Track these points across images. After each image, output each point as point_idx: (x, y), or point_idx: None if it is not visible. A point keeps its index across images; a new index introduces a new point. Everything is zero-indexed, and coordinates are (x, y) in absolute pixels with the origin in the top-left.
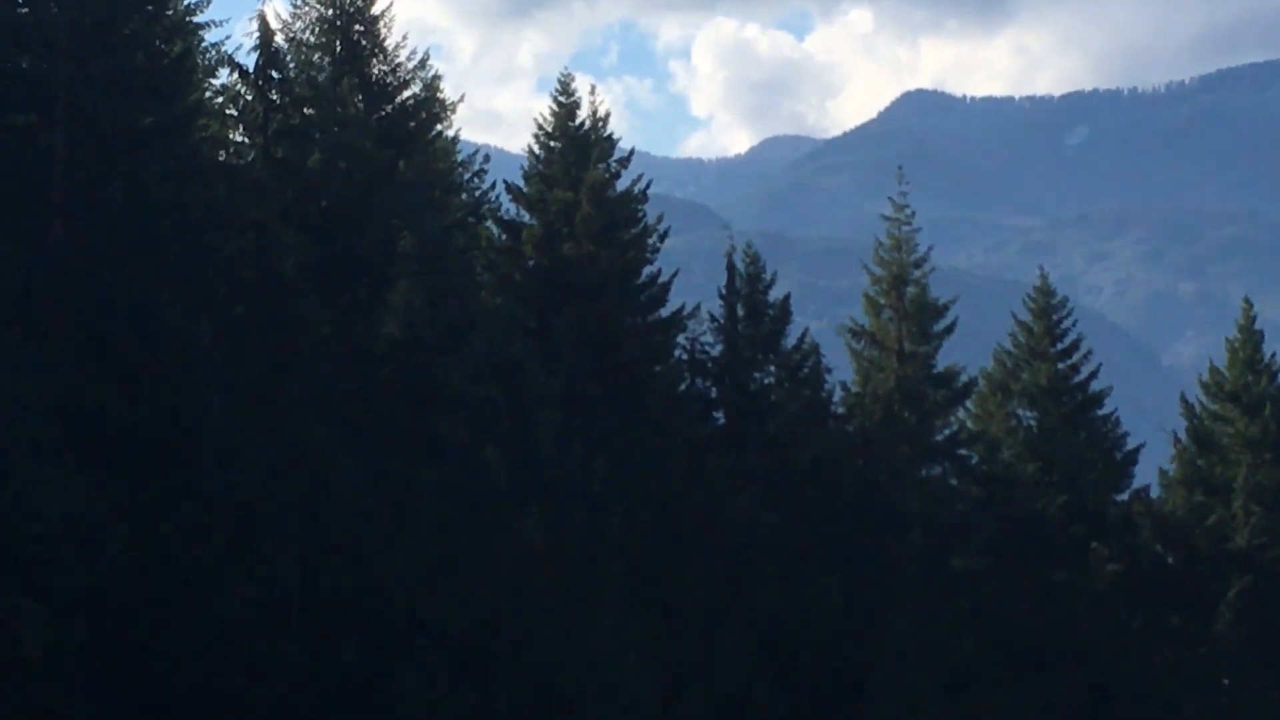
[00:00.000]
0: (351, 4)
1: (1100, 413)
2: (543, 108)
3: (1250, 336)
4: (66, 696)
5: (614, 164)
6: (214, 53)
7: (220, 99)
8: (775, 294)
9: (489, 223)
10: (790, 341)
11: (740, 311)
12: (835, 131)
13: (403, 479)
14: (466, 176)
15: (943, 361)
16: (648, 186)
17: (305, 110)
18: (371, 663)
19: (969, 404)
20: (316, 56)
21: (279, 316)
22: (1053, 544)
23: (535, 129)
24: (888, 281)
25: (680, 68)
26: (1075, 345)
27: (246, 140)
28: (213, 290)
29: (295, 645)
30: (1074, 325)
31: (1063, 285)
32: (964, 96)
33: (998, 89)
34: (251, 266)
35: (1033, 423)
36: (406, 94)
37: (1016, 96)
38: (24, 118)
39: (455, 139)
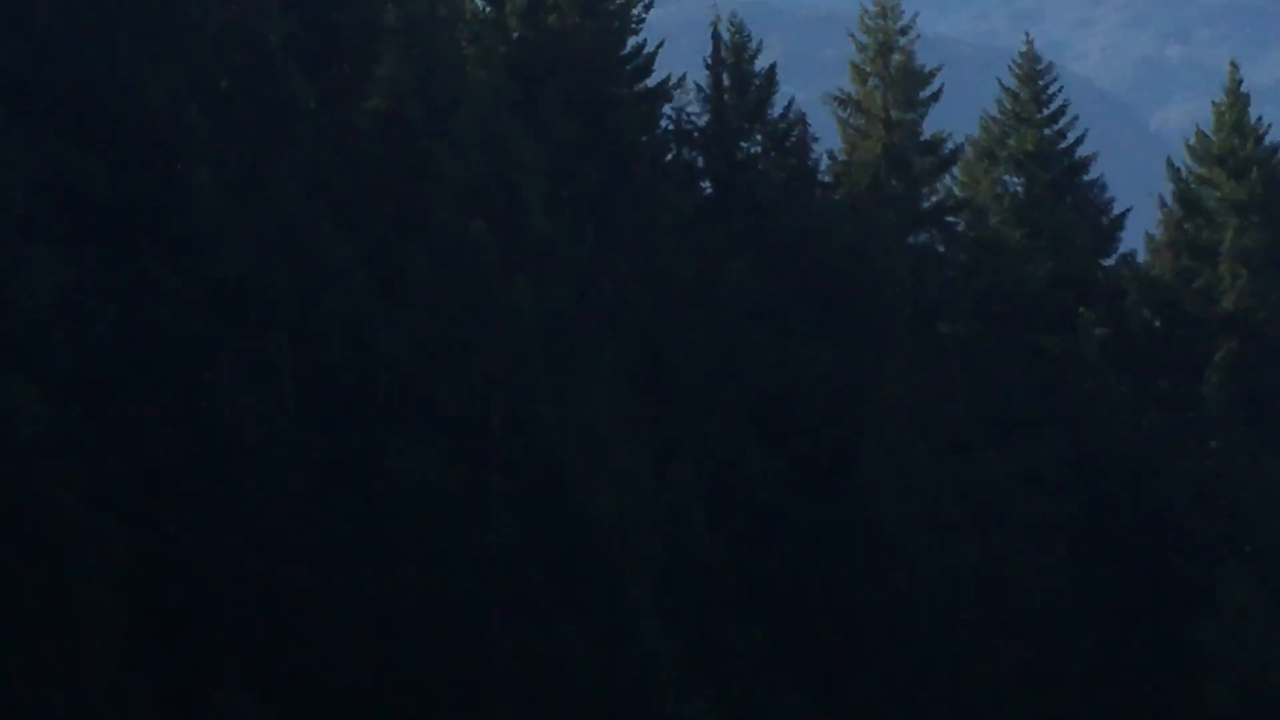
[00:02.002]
0: None
1: (1087, 178)
2: None
3: (1237, 100)
4: (60, 475)
5: None
6: None
7: None
8: (761, 64)
9: None
10: (776, 111)
11: (726, 81)
12: None
13: (392, 254)
14: None
15: (929, 129)
16: None
17: None
18: (364, 437)
19: (956, 171)
20: None
21: (265, 92)
22: (1040, 309)
23: None
24: (874, 49)
25: None
26: (1061, 111)
27: None
28: (198, 67)
29: (287, 421)
30: (1060, 91)
31: (1049, 51)
32: None
33: None
34: (236, 42)
35: (1019, 189)
36: None
37: None
38: None
39: None
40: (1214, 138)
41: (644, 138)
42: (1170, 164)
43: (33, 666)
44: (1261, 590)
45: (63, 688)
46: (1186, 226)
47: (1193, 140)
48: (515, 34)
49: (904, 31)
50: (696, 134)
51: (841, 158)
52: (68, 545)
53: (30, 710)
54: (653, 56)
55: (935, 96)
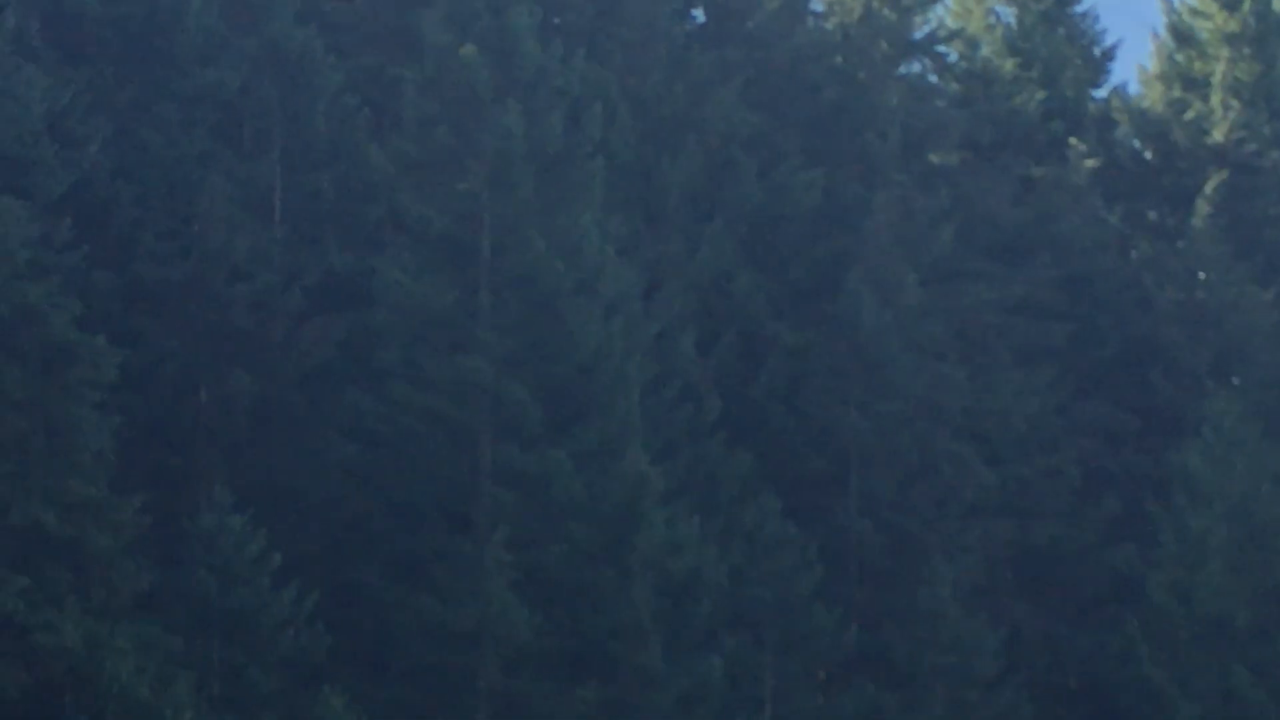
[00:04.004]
0: None
1: (1079, 9)
2: None
3: None
4: (52, 294)
5: None
6: None
7: None
8: None
9: None
10: None
11: None
12: None
13: (382, 77)
14: None
15: None
16: None
17: None
18: (353, 258)
19: (948, 1)
20: None
21: None
22: (1031, 140)
23: None
24: None
25: None
26: None
27: None
28: None
29: (278, 242)
30: None
31: None
32: None
33: None
34: None
35: (1011, 19)
36: None
37: None
38: None
39: None
40: None
41: None
42: None
43: (22, 488)
44: (1248, 420)
45: (53, 508)
46: (1178, 58)
47: None
48: None
49: None
50: None
51: None
52: (58, 365)
53: (20, 531)
54: None
55: None
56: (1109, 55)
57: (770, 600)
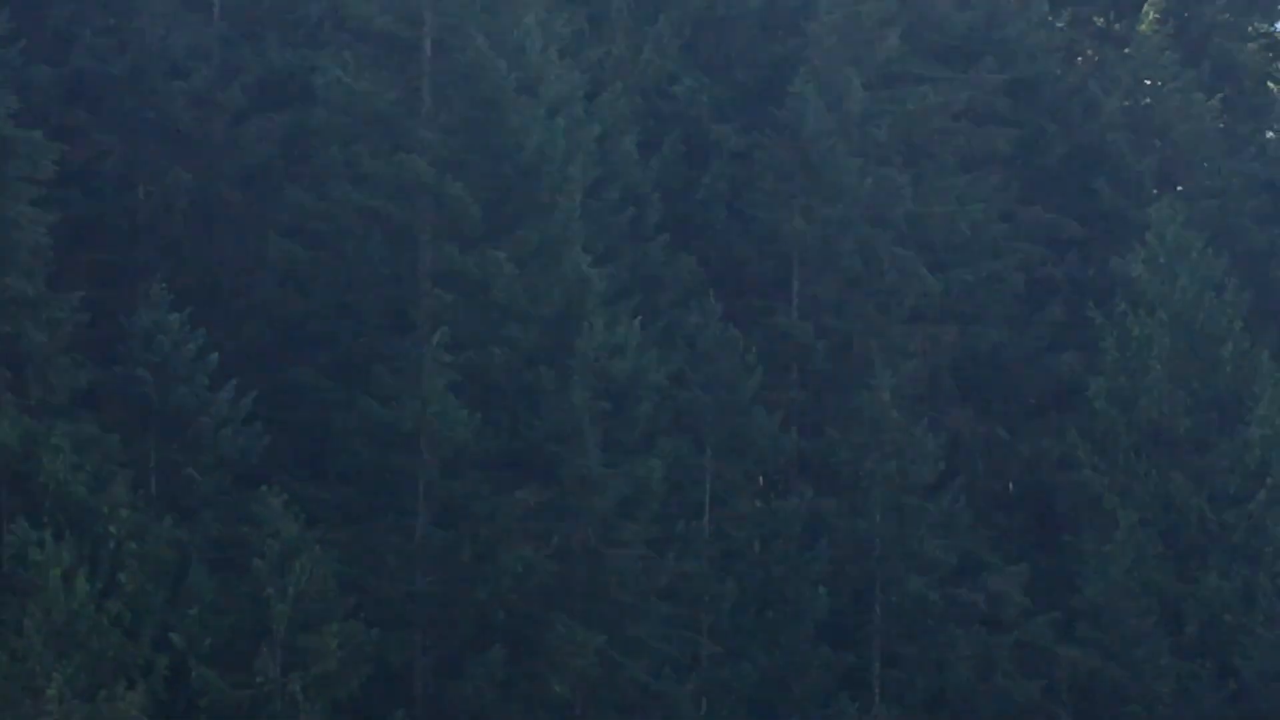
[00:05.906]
0: None
1: None
2: None
3: None
4: None
5: None
6: None
7: None
8: None
9: None
10: None
11: None
12: None
13: None
14: None
15: None
16: None
17: None
18: (293, 56)
19: None
20: None
21: None
22: None
23: None
24: None
25: None
26: None
27: None
28: None
29: (217, 39)
30: None
31: None
32: None
33: None
34: None
35: None
36: None
37: None
38: None
39: None
40: None
41: None
42: None
43: None
44: (1192, 228)
45: None
46: None
47: None
48: None
49: None
50: None
51: None
52: None
53: None
54: None
55: None
56: None
57: (710, 404)
